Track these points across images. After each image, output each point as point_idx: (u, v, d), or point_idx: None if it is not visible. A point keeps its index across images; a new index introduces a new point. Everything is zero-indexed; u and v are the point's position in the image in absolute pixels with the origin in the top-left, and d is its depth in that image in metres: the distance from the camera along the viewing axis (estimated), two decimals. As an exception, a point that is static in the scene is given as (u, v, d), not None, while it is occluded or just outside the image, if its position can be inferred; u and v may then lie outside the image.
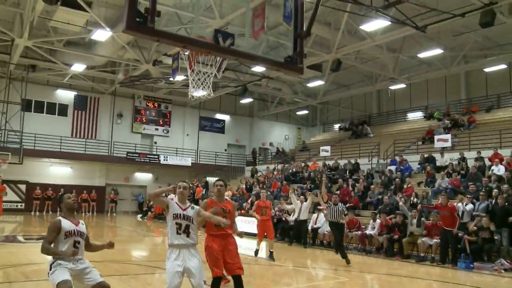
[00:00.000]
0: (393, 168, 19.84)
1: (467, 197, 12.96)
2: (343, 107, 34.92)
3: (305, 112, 37.26)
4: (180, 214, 5.28)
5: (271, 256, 11.54)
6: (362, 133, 29.28)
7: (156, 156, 30.35)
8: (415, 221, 12.80)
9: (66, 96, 29.19)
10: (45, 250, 4.90)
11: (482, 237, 11.34)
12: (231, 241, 6.06)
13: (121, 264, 10.35)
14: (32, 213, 25.61)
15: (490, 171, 15.57)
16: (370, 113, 33.29)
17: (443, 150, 19.69)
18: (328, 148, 26.24)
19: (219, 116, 35.49)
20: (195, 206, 5.48)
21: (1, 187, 15.02)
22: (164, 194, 5.65)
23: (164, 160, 30.18)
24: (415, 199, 14.73)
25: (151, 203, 27.96)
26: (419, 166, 19.45)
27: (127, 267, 10.08)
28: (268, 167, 28.39)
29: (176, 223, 5.26)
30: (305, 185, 21.04)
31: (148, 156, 30.15)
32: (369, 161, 22.34)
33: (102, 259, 10.89)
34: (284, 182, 22.50)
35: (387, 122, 31.48)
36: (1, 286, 7.48)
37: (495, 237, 11.43)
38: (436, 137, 20.95)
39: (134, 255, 12.70)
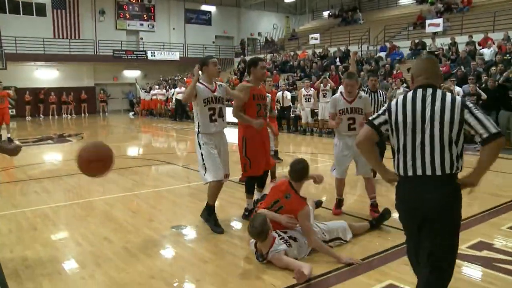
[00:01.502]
0: (383, 54, 19.63)
1: (451, 80, 12.93)
2: (332, -7, 33.50)
3: (293, -1, 35.82)
4: (211, 98, 4.81)
5: (276, 155, 9.52)
6: (352, 20, 28.42)
7: (143, 52, 29.56)
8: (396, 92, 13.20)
9: (41, -7, 27.52)
10: None
11: None
12: (266, 133, 5.51)
13: (118, 159, 10.58)
14: (27, 117, 25.48)
15: (480, 55, 15.42)
16: (360, -2, 32.04)
17: (434, 35, 19.25)
18: (317, 36, 25.60)
19: (204, 7, 34.02)
20: (222, 84, 5.04)
21: (2, 93, 14.25)
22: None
23: (151, 56, 29.48)
24: (404, 85, 14.75)
25: (137, 98, 27.98)
26: (409, 52, 19.21)
27: (124, 161, 10.33)
28: (256, 57, 27.92)
29: (209, 109, 4.81)
30: (295, 74, 20.93)
31: (135, 53, 29.32)
32: (359, 48, 21.98)
33: (99, 156, 11.16)
34: (274, 71, 22.31)
35: (378, 7, 30.36)
36: (8, 185, 7.74)
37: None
38: (427, 22, 20.34)
39: (130, 151, 12.98)
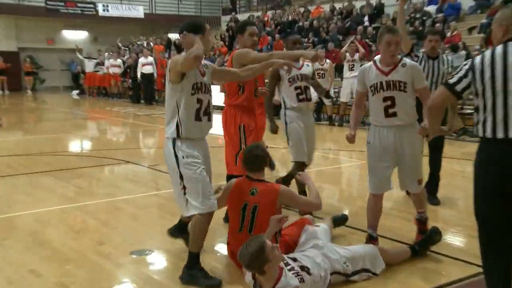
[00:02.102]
0: (432, 8, 19.54)
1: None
2: None
3: None
4: (201, 84, 4.47)
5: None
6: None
7: (92, 5, 29.50)
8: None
9: None
10: None
11: None
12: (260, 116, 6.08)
13: (55, 157, 10.55)
14: None
15: None
16: None
17: None
18: (338, -16, 25.59)
19: None
20: (208, 64, 4.72)
21: None
22: None
23: (104, 10, 29.39)
24: (463, 52, 14.69)
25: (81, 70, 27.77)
26: (473, 4, 19.07)
27: (63, 160, 10.28)
28: (252, 15, 27.91)
29: (198, 101, 4.42)
30: (306, 39, 20.87)
31: (79, 5, 29.22)
32: (396, 0, 21.94)
33: (27, 151, 11.10)
34: (277, 35, 22.24)
35: None
36: None
37: None
38: None
39: (73, 145, 12.91)
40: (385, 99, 4.92)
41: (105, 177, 9.08)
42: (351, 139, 5.18)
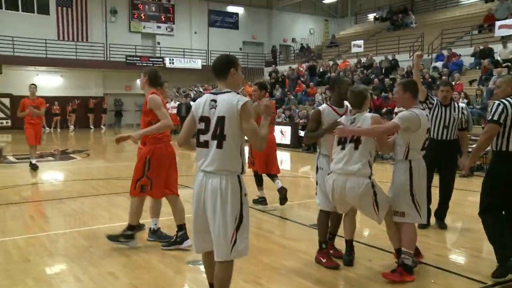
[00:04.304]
0: (439, 64, 19.36)
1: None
2: (379, -8, 33.55)
3: (333, 0, 35.96)
4: None
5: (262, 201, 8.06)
6: (403, 23, 28.30)
7: (161, 59, 30.16)
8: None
9: (45, -12, 28.10)
10: None
11: None
12: None
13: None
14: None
15: None
16: (413, -2, 31.96)
17: (506, 40, 18.40)
18: (361, 42, 25.57)
19: (231, 8, 34.51)
20: None
21: (39, 100, 11.75)
22: None
23: (170, 63, 30.01)
24: (464, 100, 14.50)
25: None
26: (472, 61, 18.86)
27: (135, 184, 10.40)
28: (290, 67, 28.05)
29: None
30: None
31: (151, 59, 29.94)
32: (410, 56, 21.76)
33: (107, 176, 11.30)
34: (311, 83, 22.37)
35: (435, 8, 30.12)
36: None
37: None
38: (497, 24, 19.53)
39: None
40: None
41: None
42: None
